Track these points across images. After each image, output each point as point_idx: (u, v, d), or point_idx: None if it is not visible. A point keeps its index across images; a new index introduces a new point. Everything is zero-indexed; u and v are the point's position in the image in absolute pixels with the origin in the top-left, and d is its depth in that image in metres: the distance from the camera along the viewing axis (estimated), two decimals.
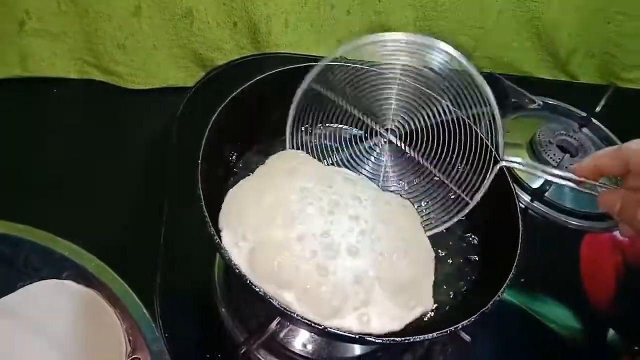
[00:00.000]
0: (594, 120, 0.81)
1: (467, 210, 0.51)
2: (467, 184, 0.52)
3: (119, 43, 0.72)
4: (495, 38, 0.83)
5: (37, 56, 0.72)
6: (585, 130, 0.81)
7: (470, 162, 0.52)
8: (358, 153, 0.55)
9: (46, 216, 0.53)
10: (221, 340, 0.52)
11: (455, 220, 0.51)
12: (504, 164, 0.50)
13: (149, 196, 0.64)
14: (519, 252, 0.46)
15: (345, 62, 0.52)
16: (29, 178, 0.64)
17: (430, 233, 0.51)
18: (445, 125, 0.52)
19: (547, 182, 0.70)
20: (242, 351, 0.46)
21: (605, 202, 0.42)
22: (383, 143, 0.55)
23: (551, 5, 0.80)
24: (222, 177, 0.52)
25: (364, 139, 0.56)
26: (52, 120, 0.71)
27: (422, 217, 0.52)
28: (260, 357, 0.50)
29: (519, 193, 0.70)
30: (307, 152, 0.54)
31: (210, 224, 0.41)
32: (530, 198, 0.70)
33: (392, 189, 0.54)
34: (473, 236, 0.54)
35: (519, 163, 0.50)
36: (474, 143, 0.51)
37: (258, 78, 0.51)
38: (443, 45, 0.50)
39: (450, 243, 0.53)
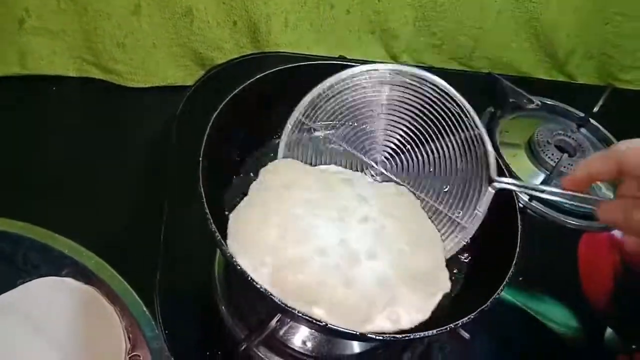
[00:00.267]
0: (592, 121, 0.81)
1: (467, 238, 0.50)
2: (461, 208, 0.51)
3: (118, 41, 0.72)
4: (494, 38, 0.84)
5: (36, 54, 0.71)
6: (583, 130, 0.82)
7: (463, 186, 0.51)
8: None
9: (45, 214, 0.53)
10: (221, 337, 0.52)
11: (456, 250, 0.50)
12: (495, 185, 0.49)
13: (148, 194, 0.64)
14: (517, 250, 0.46)
15: (332, 93, 0.52)
16: (27, 176, 0.64)
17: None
18: (435, 151, 0.52)
19: (545, 182, 0.70)
20: (242, 348, 0.46)
21: (605, 214, 0.40)
22: (372, 175, 0.55)
23: (549, 5, 0.81)
24: (223, 175, 0.52)
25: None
26: (51, 118, 0.71)
27: None
28: (260, 354, 0.50)
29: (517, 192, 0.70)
30: None
31: (211, 221, 0.41)
32: (528, 197, 0.71)
33: None
34: None
35: (511, 184, 0.48)
36: (465, 166, 0.51)
37: (259, 76, 0.51)
38: (427, 75, 0.50)
39: None
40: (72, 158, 0.66)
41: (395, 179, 0.54)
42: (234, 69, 0.75)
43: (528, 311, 0.61)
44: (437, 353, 0.56)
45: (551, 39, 0.85)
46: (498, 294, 0.43)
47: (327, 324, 0.40)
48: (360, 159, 0.54)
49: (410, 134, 0.53)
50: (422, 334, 0.41)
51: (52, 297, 0.48)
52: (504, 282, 0.44)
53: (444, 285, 0.47)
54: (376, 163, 0.54)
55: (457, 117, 0.50)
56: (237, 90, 0.50)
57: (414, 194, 0.53)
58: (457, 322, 0.41)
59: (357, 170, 0.55)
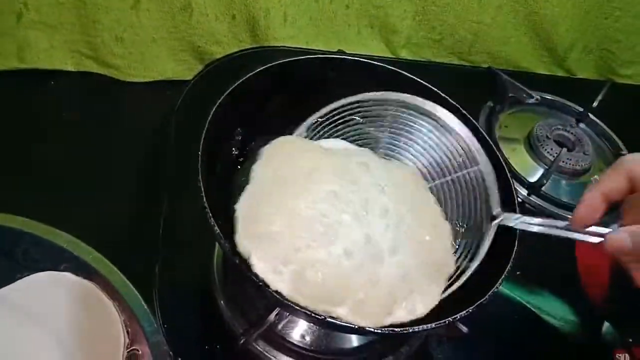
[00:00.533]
0: (591, 115, 0.82)
1: (468, 274, 0.47)
2: (463, 243, 0.50)
3: (117, 35, 0.72)
4: (494, 33, 0.84)
5: (34, 48, 0.71)
6: (582, 125, 0.82)
7: (466, 221, 0.50)
8: None
9: (44, 208, 0.53)
10: (220, 331, 0.52)
11: (455, 287, 0.47)
12: (499, 220, 0.47)
13: (147, 188, 0.64)
14: (516, 244, 0.46)
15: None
16: (26, 170, 0.64)
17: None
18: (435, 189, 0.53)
19: (544, 176, 0.70)
20: (241, 342, 0.46)
21: (613, 244, 0.36)
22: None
23: (549, 0, 0.81)
24: (222, 169, 0.52)
25: None
26: (49, 112, 0.71)
27: None
28: (259, 348, 0.50)
29: (516, 187, 0.70)
30: None
31: (210, 215, 0.41)
32: (527, 192, 0.71)
33: None
34: None
35: (515, 220, 0.46)
36: (466, 201, 0.51)
37: (258, 70, 0.51)
38: (429, 106, 0.50)
39: None
40: (71, 152, 0.66)
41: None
42: (233, 63, 0.75)
43: (526, 305, 0.62)
44: (435, 347, 0.56)
45: (551, 33, 0.85)
46: (496, 288, 0.43)
47: (325, 318, 0.40)
48: None
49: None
50: (420, 327, 0.41)
51: (51, 292, 0.48)
52: (502, 277, 0.44)
53: (451, 265, 0.47)
54: None
55: (460, 153, 0.50)
56: (236, 84, 0.50)
57: None
58: (455, 316, 0.41)
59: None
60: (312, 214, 0.44)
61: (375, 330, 0.41)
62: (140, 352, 0.46)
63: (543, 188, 0.70)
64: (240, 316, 0.52)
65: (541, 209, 0.70)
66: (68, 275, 0.49)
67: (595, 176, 0.75)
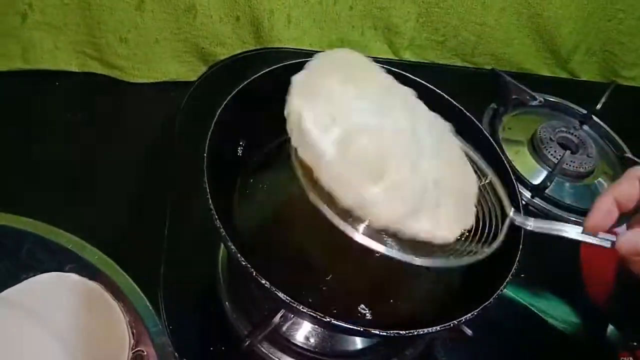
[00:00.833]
0: (594, 118, 0.82)
1: (475, 258, 0.45)
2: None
3: (121, 36, 0.72)
4: (497, 34, 0.84)
5: (38, 49, 0.71)
6: (585, 127, 0.82)
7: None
8: None
9: (49, 209, 0.53)
10: (224, 333, 0.52)
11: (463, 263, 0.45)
12: (513, 220, 0.45)
13: (151, 190, 0.64)
14: (520, 246, 0.46)
15: None
16: (30, 171, 0.64)
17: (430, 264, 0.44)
18: None
19: (547, 179, 0.70)
20: (246, 344, 0.46)
21: (625, 244, 0.37)
22: None
23: (552, 2, 0.81)
24: (227, 171, 0.52)
25: None
26: (53, 112, 0.71)
27: None
28: (263, 350, 0.50)
29: (520, 189, 0.70)
30: None
31: (216, 216, 0.41)
32: (530, 194, 0.71)
33: None
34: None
35: (528, 221, 0.45)
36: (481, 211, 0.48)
37: (264, 71, 0.51)
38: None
39: None
40: (75, 153, 0.66)
41: None
42: (237, 65, 0.75)
43: (530, 308, 0.62)
44: (440, 349, 0.56)
45: (554, 35, 0.85)
46: (501, 290, 0.43)
47: (330, 320, 0.40)
48: None
49: None
50: (425, 330, 0.41)
51: (56, 293, 0.48)
52: (507, 279, 0.44)
53: (470, 219, 0.44)
54: None
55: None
56: (241, 86, 0.50)
57: None
58: (460, 319, 0.41)
59: None
60: (366, 91, 0.43)
61: (380, 333, 0.41)
62: (145, 353, 0.46)
63: (547, 190, 0.70)
64: (244, 318, 0.52)
65: (545, 211, 0.70)
66: (73, 276, 0.49)
67: (599, 179, 0.75)
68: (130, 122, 0.72)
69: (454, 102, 0.57)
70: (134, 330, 0.47)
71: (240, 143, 0.54)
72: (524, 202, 0.69)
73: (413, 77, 0.55)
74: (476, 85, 0.86)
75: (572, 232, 0.41)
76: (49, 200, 0.59)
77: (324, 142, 0.39)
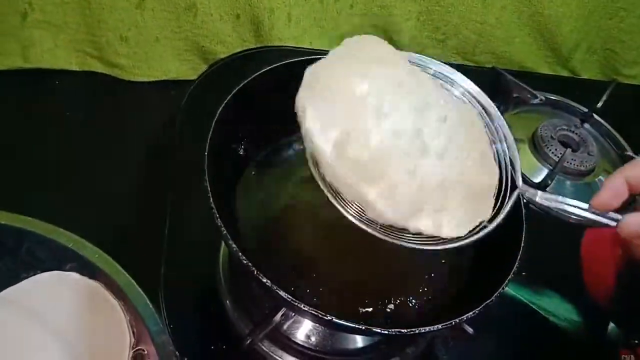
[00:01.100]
0: (595, 116, 0.81)
1: (482, 234, 0.45)
2: None
3: (122, 35, 0.72)
4: (498, 33, 0.84)
5: (39, 47, 0.71)
6: (586, 125, 0.81)
7: None
8: None
9: (49, 208, 0.53)
10: (225, 331, 0.52)
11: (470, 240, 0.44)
12: (521, 191, 0.45)
13: (152, 188, 0.64)
14: (522, 244, 0.46)
15: None
16: (31, 170, 0.64)
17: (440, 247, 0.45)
18: None
19: (548, 177, 0.70)
20: (247, 342, 0.46)
21: (629, 226, 0.37)
22: None
23: (553, 0, 0.81)
24: (228, 170, 0.52)
25: None
26: (53, 111, 0.71)
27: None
28: (264, 349, 0.50)
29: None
30: None
31: (217, 215, 0.41)
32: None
33: None
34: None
35: (535, 195, 0.44)
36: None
37: (264, 70, 0.51)
38: (459, 78, 0.49)
39: None
40: (76, 152, 0.66)
41: None
42: (237, 63, 0.75)
43: (531, 306, 0.62)
44: (441, 347, 0.56)
45: (555, 33, 0.85)
46: (503, 288, 0.43)
47: (331, 319, 0.40)
48: None
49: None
50: (427, 328, 0.41)
51: (56, 292, 0.48)
52: (509, 277, 0.44)
53: (486, 212, 0.44)
54: None
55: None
56: (242, 85, 0.50)
57: None
58: (462, 317, 0.41)
59: None
60: (372, 91, 0.42)
61: (382, 331, 0.41)
62: (146, 352, 0.46)
63: (548, 188, 0.70)
64: (245, 316, 0.52)
65: (545, 209, 0.69)
66: (73, 275, 0.49)
67: (600, 177, 0.74)
68: (130, 121, 0.72)
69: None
70: (135, 329, 0.47)
71: (241, 142, 0.54)
72: (524, 200, 0.69)
73: None
74: (477, 83, 0.85)
75: (578, 208, 0.41)
76: (49, 199, 0.59)
77: (323, 143, 0.39)
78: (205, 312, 0.54)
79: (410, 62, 0.47)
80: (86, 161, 0.66)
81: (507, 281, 0.44)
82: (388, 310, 0.50)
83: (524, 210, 0.49)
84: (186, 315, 0.52)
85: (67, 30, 0.71)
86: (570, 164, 0.73)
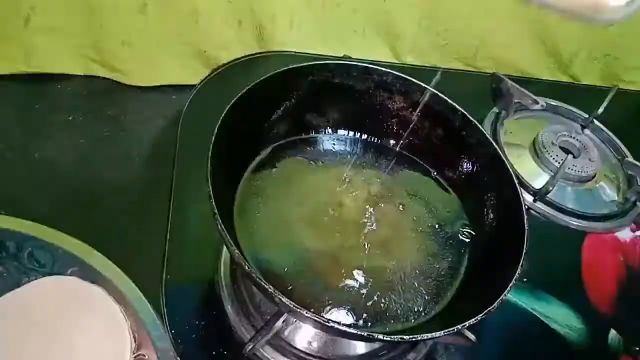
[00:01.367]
0: (596, 122, 0.82)
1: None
2: None
3: (123, 40, 0.72)
4: (499, 39, 0.84)
5: (41, 52, 0.71)
6: (587, 131, 0.82)
7: None
8: None
9: (50, 212, 0.53)
10: (227, 337, 0.52)
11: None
12: None
13: (154, 194, 0.64)
14: (524, 251, 0.46)
15: None
16: (32, 174, 0.64)
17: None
18: None
19: (549, 183, 0.70)
20: (248, 348, 0.46)
21: None
22: None
23: None
24: (230, 175, 0.52)
25: None
26: (55, 116, 0.71)
27: None
28: (266, 354, 0.50)
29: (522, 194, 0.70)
30: None
31: (220, 221, 0.41)
32: (532, 198, 0.71)
33: None
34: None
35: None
36: None
37: (267, 75, 0.51)
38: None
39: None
40: (77, 157, 0.66)
41: None
42: (239, 69, 0.75)
43: (532, 312, 0.61)
44: (442, 354, 0.56)
45: (556, 40, 0.85)
46: (505, 294, 0.43)
47: (333, 325, 0.40)
48: None
49: None
50: (428, 335, 0.41)
51: (57, 296, 0.48)
52: (511, 283, 0.44)
53: None
54: None
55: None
56: (244, 90, 0.50)
57: None
58: (463, 324, 0.41)
59: None
60: None
61: (384, 338, 0.41)
62: (147, 358, 0.46)
63: (548, 195, 0.70)
64: (247, 322, 0.52)
65: (547, 215, 0.70)
66: (75, 279, 0.49)
67: (601, 183, 0.75)
68: (132, 126, 0.72)
69: (457, 106, 0.57)
70: (136, 334, 0.47)
71: (243, 147, 0.54)
72: (526, 207, 0.69)
73: (417, 81, 0.55)
74: (478, 89, 0.86)
75: None
76: (50, 204, 0.59)
77: None
78: (206, 317, 0.54)
79: None
80: (87, 166, 0.65)
81: (509, 288, 0.44)
82: (390, 316, 0.50)
83: (526, 217, 0.49)
84: (187, 320, 0.52)
85: (69, 35, 0.71)
86: (571, 170, 0.73)
